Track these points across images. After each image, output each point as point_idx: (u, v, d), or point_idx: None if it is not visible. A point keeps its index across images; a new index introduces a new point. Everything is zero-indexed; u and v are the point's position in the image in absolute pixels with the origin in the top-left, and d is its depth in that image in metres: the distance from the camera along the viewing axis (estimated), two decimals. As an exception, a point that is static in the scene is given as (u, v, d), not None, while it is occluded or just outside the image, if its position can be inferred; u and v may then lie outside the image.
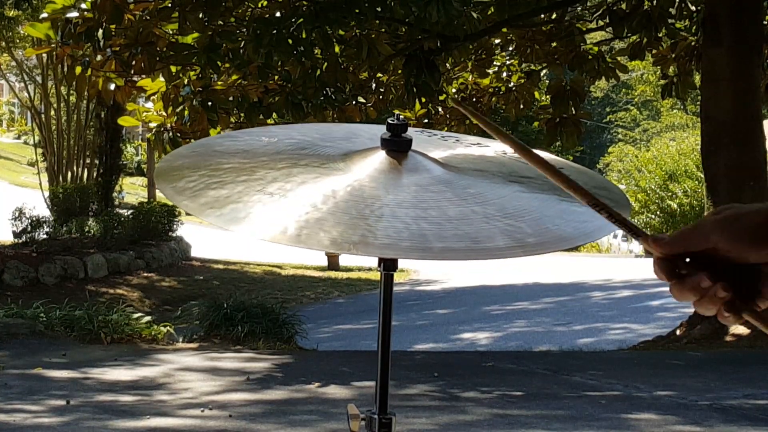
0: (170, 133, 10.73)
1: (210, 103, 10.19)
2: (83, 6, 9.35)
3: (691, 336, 10.14)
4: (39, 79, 24.33)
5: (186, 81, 10.39)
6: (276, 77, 10.31)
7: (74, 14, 9.31)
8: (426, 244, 1.42)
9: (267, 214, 1.45)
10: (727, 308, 1.08)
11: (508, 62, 13.09)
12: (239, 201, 1.48)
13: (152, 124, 11.03)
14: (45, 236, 16.43)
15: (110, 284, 15.37)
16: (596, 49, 12.33)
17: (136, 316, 9.98)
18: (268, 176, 1.54)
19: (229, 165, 1.61)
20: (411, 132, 1.62)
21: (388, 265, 1.62)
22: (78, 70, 9.86)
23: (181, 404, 6.83)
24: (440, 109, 13.17)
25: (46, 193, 20.41)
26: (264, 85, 10.43)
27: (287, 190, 1.50)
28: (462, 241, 1.44)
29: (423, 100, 10.76)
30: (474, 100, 13.39)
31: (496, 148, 1.76)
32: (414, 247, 1.41)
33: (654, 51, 12.38)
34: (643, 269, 21.99)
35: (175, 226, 19.08)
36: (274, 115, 10.67)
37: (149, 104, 11.18)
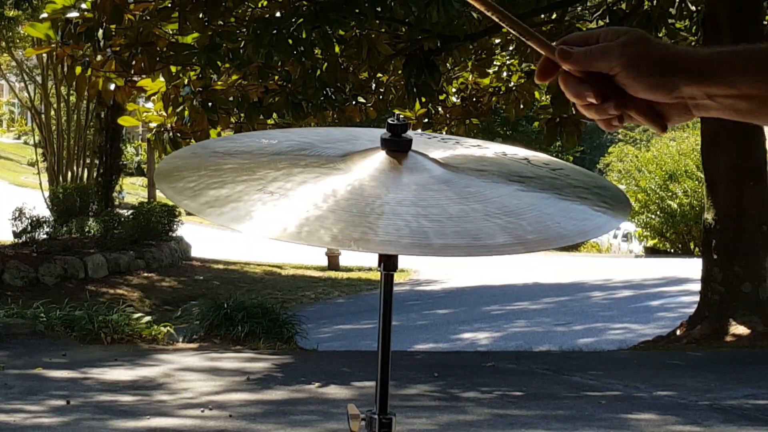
0: (170, 133, 10.74)
1: (210, 103, 10.19)
2: (83, 6, 9.35)
3: (691, 336, 10.14)
4: (39, 79, 24.34)
5: (186, 81, 10.39)
6: (276, 77, 10.31)
7: (74, 14, 9.32)
8: (427, 240, 1.43)
9: (267, 212, 1.46)
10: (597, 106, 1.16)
11: (508, 62, 13.09)
12: (239, 200, 1.49)
13: (152, 124, 11.03)
14: (45, 236, 16.43)
15: (110, 284, 15.38)
16: (596, 49, 12.31)
17: (136, 316, 9.98)
18: (268, 176, 1.54)
19: (229, 165, 1.61)
20: (411, 135, 1.63)
21: (389, 265, 1.62)
22: (78, 70, 9.86)
23: (181, 404, 6.83)
24: (440, 109, 13.17)
25: (46, 193, 20.42)
26: (264, 85, 10.43)
27: (288, 189, 1.51)
28: (462, 237, 1.45)
29: (423, 100, 10.76)
30: (474, 99, 13.39)
31: (495, 150, 1.77)
32: (415, 243, 1.42)
33: (654, 51, 12.38)
34: (643, 269, 22.00)
35: (175, 226, 19.08)
36: (274, 115, 10.67)
37: (149, 104, 11.18)
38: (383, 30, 10.42)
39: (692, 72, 1.15)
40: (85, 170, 21.96)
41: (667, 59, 1.15)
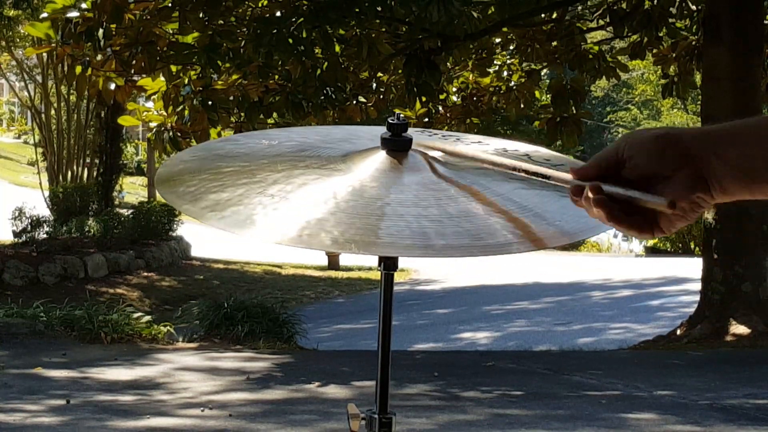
0: (170, 133, 10.74)
1: (210, 103, 10.19)
2: (83, 5, 9.35)
3: (692, 336, 10.14)
4: (39, 78, 24.35)
5: (186, 80, 10.39)
6: (276, 77, 10.31)
7: (74, 14, 9.32)
8: (427, 241, 1.42)
9: (268, 215, 1.45)
10: (608, 214, 1.16)
11: (508, 61, 13.09)
12: (240, 204, 1.48)
13: (152, 124, 11.03)
14: (45, 236, 16.43)
15: (110, 284, 15.37)
16: (597, 48, 12.33)
17: (136, 315, 9.97)
18: (268, 179, 1.54)
19: (230, 168, 1.61)
20: (411, 132, 1.62)
21: (389, 265, 1.62)
22: (78, 69, 9.86)
23: (180, 404, 6.83)
24: (441, 109, 13.17)
25: (46, 193, 20.42)
26: (264, 85, 10.44)
27: (288, 192, 1.50)
28: (463, 237, 1.44)
29: (423, 99, 10.76)
30: (474, 99, 13.39)
31: (496, 146, 1.76)
32: (415, 245, 1.41)
33: (654, 50, 12.39)
34: (644, 269, 22.00)
35: (175, 226, 19.08)
36: (275, 114, 10.67)
37: (149, 104, 11.18)
38: (383, 29, 10.42)
39: (696, 131, 1.17)
40: (85, 170, 21.96)
41: (669, 128, 1.18)
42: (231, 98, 10.58)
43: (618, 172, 1.17)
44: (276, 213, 1.46)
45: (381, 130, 1.64)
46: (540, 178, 1.23)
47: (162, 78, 10.46)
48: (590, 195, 1.17)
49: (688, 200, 1.16)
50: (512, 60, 13.00)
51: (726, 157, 1.14)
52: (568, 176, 1.20)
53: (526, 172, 1.24)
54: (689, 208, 1.17)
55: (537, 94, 13.75)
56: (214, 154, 1.70)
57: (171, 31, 9.99)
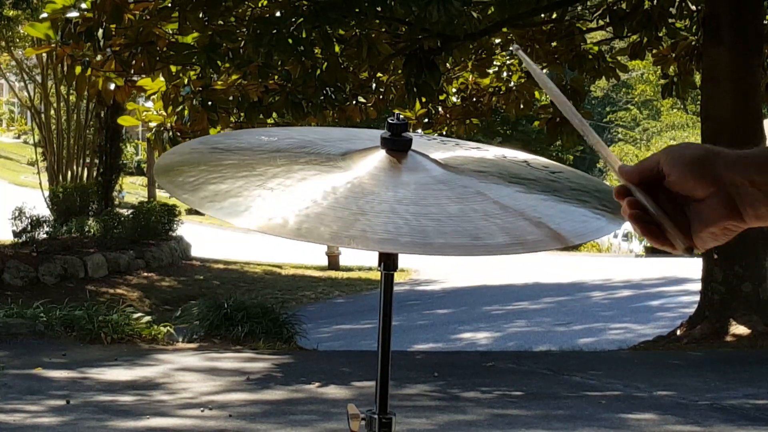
0: (170, 133, 10.74)
1: (210, 103, 10.20)
2: (83, 6, 9.35)
3: (691, 336, 10.14)
4: (39, 78, 24.34)
5: (186, 81, 10.39)
6: (276, 77, 10.31)
7: (74, 14, 9.31)
8: (426, 239, 1.42)
9: (267, 208, 1.46)
10: (629, 218, 1.18)
11: (508, 62, 13.09)
12: (239, 195, 1.48)
13: (152, 124, 11.04)
14: (45, 236, 16.42)
15: (110, 284, 15.37)
16: (596, 48, 12.33)
17: (136, 316, 9.97)
18: (268, 172, 1.54)
19: (229, 161, 1.61)
20: (410, 135, 1.63)
21: (389, 265, 1.62)
22: (78, 69, 9.86)
23: (180, 404, 6.83)
24: (440, 109, 13.17)
25: (46, 193, 20.42)
26: (264, 85, 10.44)
27: (287, 186, 1.50)
28: (462, 237, 1.44)
29: (423, 99, 10.76)
30: (474, 99, 13.39)
31: (495, 152, 1.77)
32: (414, 242, 1.41)
33: (654, 50, 12.39)
34: (643, 269, 22.00)
35: (175, 226, 19.08)
36: (274, 114, 10.68)
37: (149, 104, 11.18)
38: (383, 29, 10.43)
39: (732, 156, 1.16)
40: (85, 170, 21.95)
41: (709, 149, 1.17)
42: (231, 98, 10.58)
43: (660, 183, 1.18)
44: (275, 205, 1.46)
45: (380, 131, 1.64)
46: (596, 151, 1.26)
47: (162, 78, 10.46)
48: (626, 207, 1.19)
49: (718, 226, 1.16)
50: (512, 60, 13.00)
51: (760, 183, 1.13)
52: (616, 167, 1.21)
53: (595, 147, 1.27)
54: (720, 233, 1.17)
55: (537, 94, 13.74)
56: (213, 148, 1.70)
57: (171, 31, 9.99)
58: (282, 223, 1.42)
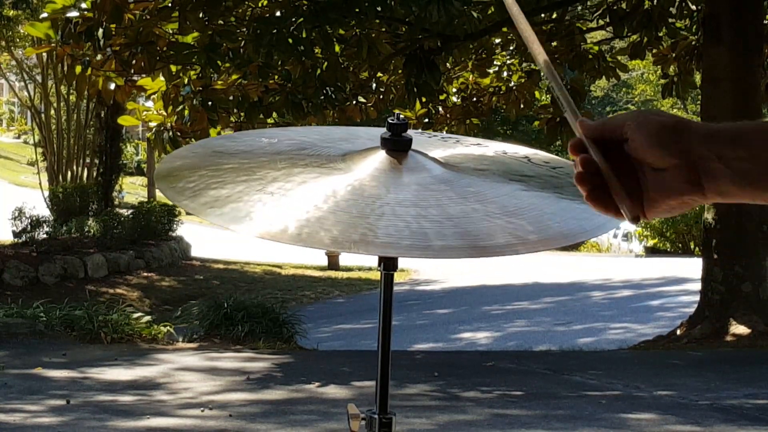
0: (170, 133, 10.73)
1: (210, 103, 10.19)
2: (83, 5, 9.35)
3: (691, 336, 10.14)
4: (39, 78, 24.34)
5: (186, 80, 10.39)
6: (276, 77, 10.31)
7: (74, 14, 9.31)
8: (427, 242, 1.42)
9: (268, 213, 1.45)
10: (576, 178, 1.15)
11: (508, 61, 13.09)
12: (239, 200, 1.48)
13: (152, 124, 11.03)
14: (45, 236, 16.42)
15: (110, 284, 15.37)
16: (596, 48, 12.33)
17: (136, 315, 9.97)
18: (268, 176, 1.54)
19: (229, 165, 1.61)
20: (410, 133, 1.62)
21: (388, 265, 1.62)
22: (78, 69, 9.86)
23: (180, 404, 6.83)
24: (440, 109, 13.16)
25: (46, 193, 20.41)
26: (264, 85, 10.43)
27: (288, 190, 1.50)
28: (463, 239, 1.44)
29: (423, 99, 10.76)
30: (474, 99, 13.39)
31: (495, 148, 1.76)
32: (415, 245, 1.41)
33: (654, 50, 12.38)
34: (643, 269, 21.99)
35: (175, 226, 19.08)
36: (274, 114, 10.67)
37: (149, 103, 11.18)
38: (383, 29, 10.42)
39: (703, 129, 1.13)
40: (85, 170, 21.95)
41: (679, 119, 1.14)
42: (231, 98, 10.58)
43: (620, 144, 1.14)
44: (276, 210, 1.46)
45: (380, 130, 1.64)
46: (560, 102, 1.20)
47: (162, 78, 10.46)
48: (577, 164, 1.14)
49: (677, 200, 1.14)
50: (512, 60, 12.99)
51: (729, 158, 1.10)
52: (577, 124, 1.16)
53: (555, 91, 1.21)
54: (677, 205, 1.15)
55: (537, 94, 13.74)
56: (214, 151, 1.70)
57: (171, 31, 9.99)
58: (282, 228, 1.42)
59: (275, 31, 9.09)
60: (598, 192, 1.14)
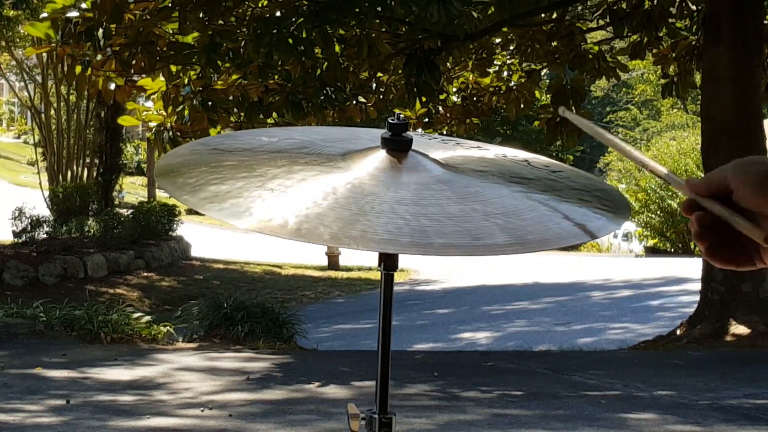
0: (170, 133, 10.73)
1: (210, 103, 10.19)
2: (83, 5, 9.35)
3: (691, 336, 10.14)
4: (39, 78, 24.35)
5: (186, 80, 10.39)
6: (276, 77, 10.31)
7: (74, 14, 9.31)
8: (426, 239, 1.42)
9: (267, 208, 1.46)
10: (695, 236, 1.17)
11: (508, 61, 13.09)
12: (239, 196, 1.48)
13: (152, 124, 11.03)
14: (45, 236, 16.43)
15: (110, 284, 15.37)
16: (596, 48, 12.33)
17: (136, 315, 9.97)
18: (268, 173, 1.54)
19: (229, 162, 1.61)
20: (411, 135, 1.63)
21: (389, 265, 1.62)
22: (78, 69, 9.86)
23: (180, 404, 6.83)
24: (441, 109, 13.16)
25: (46, 193, 20.42)
26: (264, 85, 10.44)
27: (288, 186, 1.50)
28: (462, 237, 1.44)
29: (423, 99, 10.75)
30: (474, 99, 13.39)
31: (496, 151, 1.77)
32: (414, 242, 1.41)
33: (654, 50, 12.38)
34: (643, 269, 22.00)
35: (174, 226, 19.08)
36: (274, 114, 10.67)
37: (149, 103, 11.18)
38: (383, 29, 10.42)
39: None
40: (85, 170, 21.96)
41: None
42: (231, 98, 10.58)
43: (728, 197, 1.15)
44: (275, 206, 1.46)
45: (380, 131, 1.64)
46: (658, 177, 1.25)
47: (162, 78, 10.46)
48: (694, 223, 1.17)
49: None
50: (512, 60, 12.99)
51: None
52: (683, 185, 1.18)
53: (649, 169, 1.25)
54: None
55: (537, 94, 13.74)
56: (214, 149, 1.71)
57: (171, 31, 9.99)
58: (282, 223, 1.42)
59: (275, 31, 9.09)
60: (716, 247, 1.18)
